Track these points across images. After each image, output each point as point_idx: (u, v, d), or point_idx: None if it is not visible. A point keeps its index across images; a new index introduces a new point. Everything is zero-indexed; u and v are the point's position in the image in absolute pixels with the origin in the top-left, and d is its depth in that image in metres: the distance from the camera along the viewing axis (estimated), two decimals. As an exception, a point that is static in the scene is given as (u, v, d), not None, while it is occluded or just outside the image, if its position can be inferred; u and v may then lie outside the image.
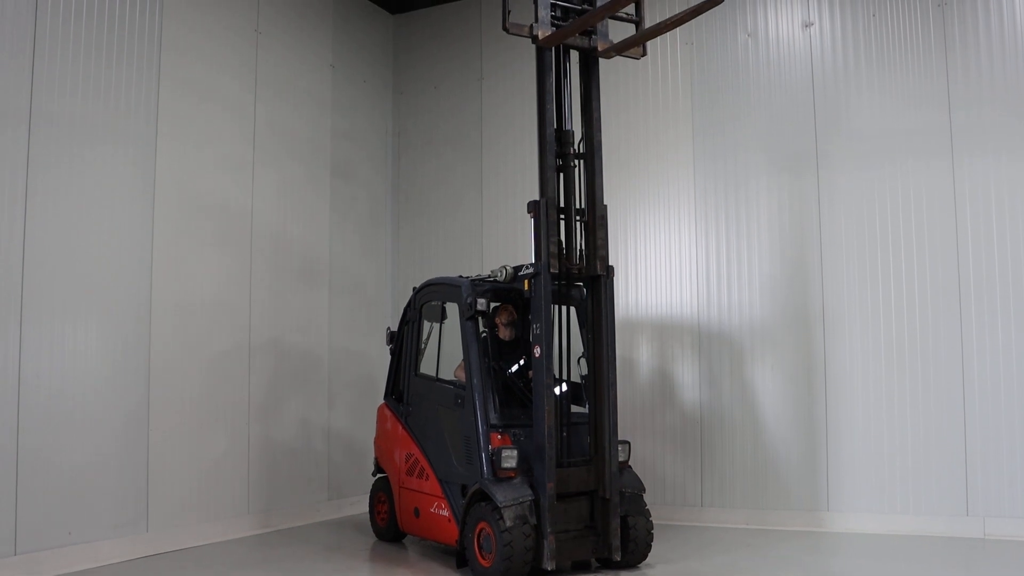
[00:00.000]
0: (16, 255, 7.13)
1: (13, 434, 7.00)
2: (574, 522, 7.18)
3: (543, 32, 7.37)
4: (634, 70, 9.80)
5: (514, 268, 7.62)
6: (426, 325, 8.47)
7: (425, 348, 8.50)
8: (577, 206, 7.55)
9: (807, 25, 9.47)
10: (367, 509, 9.43)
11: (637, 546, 7.40)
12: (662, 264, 9.98)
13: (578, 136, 7.66)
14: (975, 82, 8.75)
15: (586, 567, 7.44)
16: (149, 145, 8.31)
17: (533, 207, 7.29)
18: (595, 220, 7.46)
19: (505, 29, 7.37)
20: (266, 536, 9.05)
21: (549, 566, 6.85)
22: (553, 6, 7.51)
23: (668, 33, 9.83)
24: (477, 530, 7.08)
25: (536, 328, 7.13)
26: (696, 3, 6.45)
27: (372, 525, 9.03)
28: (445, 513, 7.69)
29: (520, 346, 8.08)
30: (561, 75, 7.67)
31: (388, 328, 9.29)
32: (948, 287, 8.70)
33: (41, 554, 7.09)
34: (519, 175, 10.60)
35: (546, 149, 7.34)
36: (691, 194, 9.83)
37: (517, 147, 10.65)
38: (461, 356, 7.74)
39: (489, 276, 7.95)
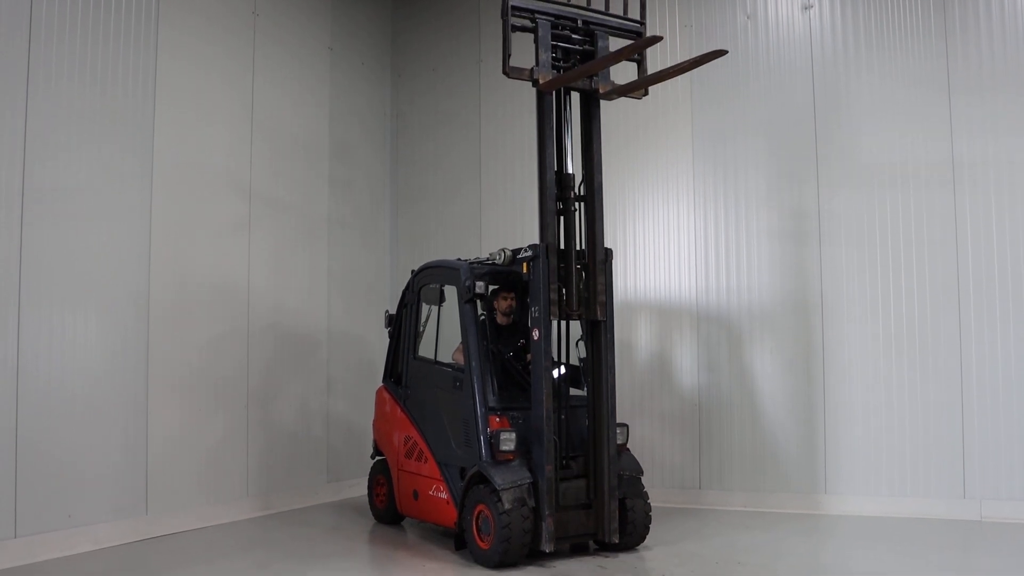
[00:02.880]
0: (14, 242, 7.12)
1: (12, 419, 7.01)
2: (572, 504, 7.18)
3: (544, 76, 7.28)
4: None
5: (513, 251, 7.59)
6: (424, 308, 8.45)
7: (423, 331, 8.49)
8: (578, 248, 7.44)
9: (807, 7, 9.42)
10: (366, 492, 9.44)
11: (635, 528, 7.43)
12: (660, 247, 9.95)
13: (578, 178, 7.54)
14: (975, 66, 8.71)
15: (584, 549, 7.46)
16: (147, 129, 8.28)
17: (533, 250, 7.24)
18: (595, 265, 7.36)
19: (506, 73, 7.26)
20: (266, 518, 9.07)
21: (547, 548, 6.88)
22: (554, 47, 7.43)
23: (666, 16, 9.93)
24: (476, 512, 7.10)
25: (535, 311, 7.12)
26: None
27: (371, 508, 9.04)
28: (444, 496, 7.70)
29: (519, 329, 8.08)
30: (562, 115, 7.56)
31: (387, 311, 9.27)
32: (947, 271, 8.69)
33: (41, 537, 7.12)
34: (518, 158, 10.56)
35: (546, 193, 7.23)
36: (690, 177, 9.79)
37: (515, 129, 10.60)
38: (459, 339, 7.73)
39: (488, 259, 7.92)
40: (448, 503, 7.62)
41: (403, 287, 8.87)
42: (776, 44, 9.55)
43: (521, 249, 7.48)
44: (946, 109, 8.79)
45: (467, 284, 7.60)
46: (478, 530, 7.08)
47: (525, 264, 7.31)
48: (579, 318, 7.41)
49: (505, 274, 7.84)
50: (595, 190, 7.43)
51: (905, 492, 8.70)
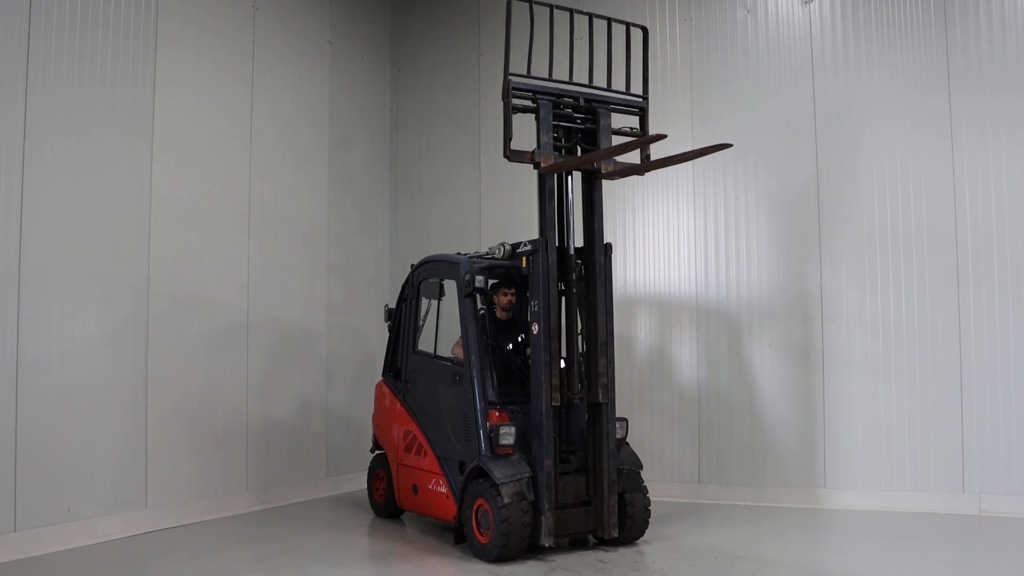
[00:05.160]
0: (13, 232, 7.11)
1: (12, 412, 7.01)
2: (572, 499, 7.18)
3: (545, 160, 7.20)
4: (634, 46, 9.73)
5: (512, 245, 7.60)
6: (424, 302, 8.45)
7: (423, 325, 8.48)
8: (580, 330, 7.39)
9: (806, 2, 9.39)
10: (365, 486, 9.43)
11: (635, 523, 7.42)
12: (660, 241, 9.94)
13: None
14: (975, 60, 8.69)
15: (583, 543, 7.47)
16: (146, 120, 8.26)
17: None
18: (596, 347, 7.29)
19: (507, 156, 7.20)
20: (265, 512, 9.07)
21: (547, 543, 6.88)
22: (555, 126, 7.38)
23: (667, 11, 9.91)
24: (475, 507, 7.10)
25: (534, 305, 7.11)
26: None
27: (370, 502, 9.04)
28: (443, 490, 7.70)
29: (518, 323, 8.06)
30: (563, 193, 7.45)
31: (386, 305, 9.24)
32: (946, 265, 8.68)
33: (40, 531, 7.13)
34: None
35: (548, 276, 7.16)
36: (689, 169, 9.72)
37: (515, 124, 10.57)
38: (459, 333, 7.71)
39: (487, 253, 7.93)
40: (447, 497, 7.62)
41: (403, 281, 8.85)
42: (776, 38, 9.53)
43: (520, 243, 7.48)
44: (946, 105, 8.76)
45: (467, 279, 7.58)
46: (477, 524, 7.08)
47: (524, 258, 7.31)
48: (580, 400, 7.33)
49: (505, 269, 7.83)
50: (596, 271, 7.34)
51: (904, 486, 8.69)
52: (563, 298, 7.36)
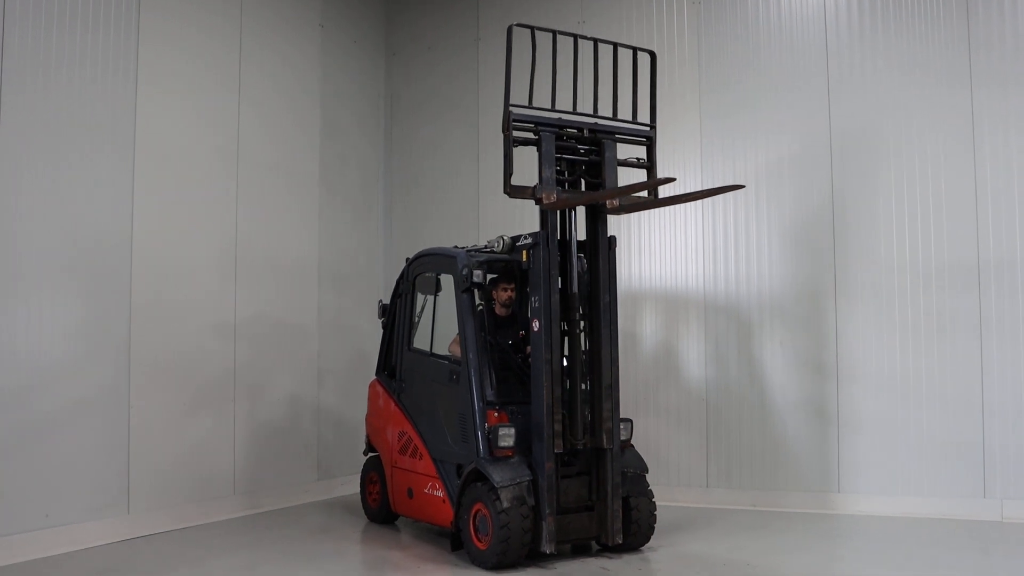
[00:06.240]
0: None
1: (-14, 413, 6.98)
2: (574, 503, 7.08)
3: (548, 196, 6.99)
4: (639, 26, 9.50)
5: (512, 238, 7.52)
6: (420, 298, 8.37)
7: (419, 322, 8.39)
8: (583, 372, 7.22)
9: (820, -10, 9.26)
10: (358, 490, 9.35)
11: (639, 528, 7.37)
12: (667, 234, 9.81)
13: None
14: (997, 54, 8.54)
15: (586, 550, 7.38)
16: (128, 111, 8.19)
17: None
18: (601, 390, 7.11)
19: (507, 192, 7.00)
20: (253, 518, 9.01)
21: (548, 549, 6.80)
22: (558, 159, 7.18)
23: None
24: (473, 511, 7.02)
25: (535, 301, 7.01)
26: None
27: (363, 506, 8.99)
28: (439, 494, 7.62)
29: (518, 320, 7.97)
30: (567, 228, 7.25)
31: (380, 301, 9.17)
32: (966, 261, 8.54)
33: (16, 538, 7.01)
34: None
35: (551, 316, 6.94)
36: (698, 161, 9.61)
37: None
38: (456, 330, 7.60)
39: (486, 247, 7.86)
40: (444, 501, 7.55)
41: (397, 276, 8.75)
42: (789, 24, 9.37)
43: (520, 236, 7.39)
44: (967, 95, 8.61)
45: (464, 273, 7.50)
46: (475, 530, 7.01)
47: (525, 252, 7.23)
48: (584, 447, 7.14)
49: (504, 263, 7.74)
50: (601, 310, 7.14)
51: (922, 491, 8.57)
52: (566, 338, 7.18)
